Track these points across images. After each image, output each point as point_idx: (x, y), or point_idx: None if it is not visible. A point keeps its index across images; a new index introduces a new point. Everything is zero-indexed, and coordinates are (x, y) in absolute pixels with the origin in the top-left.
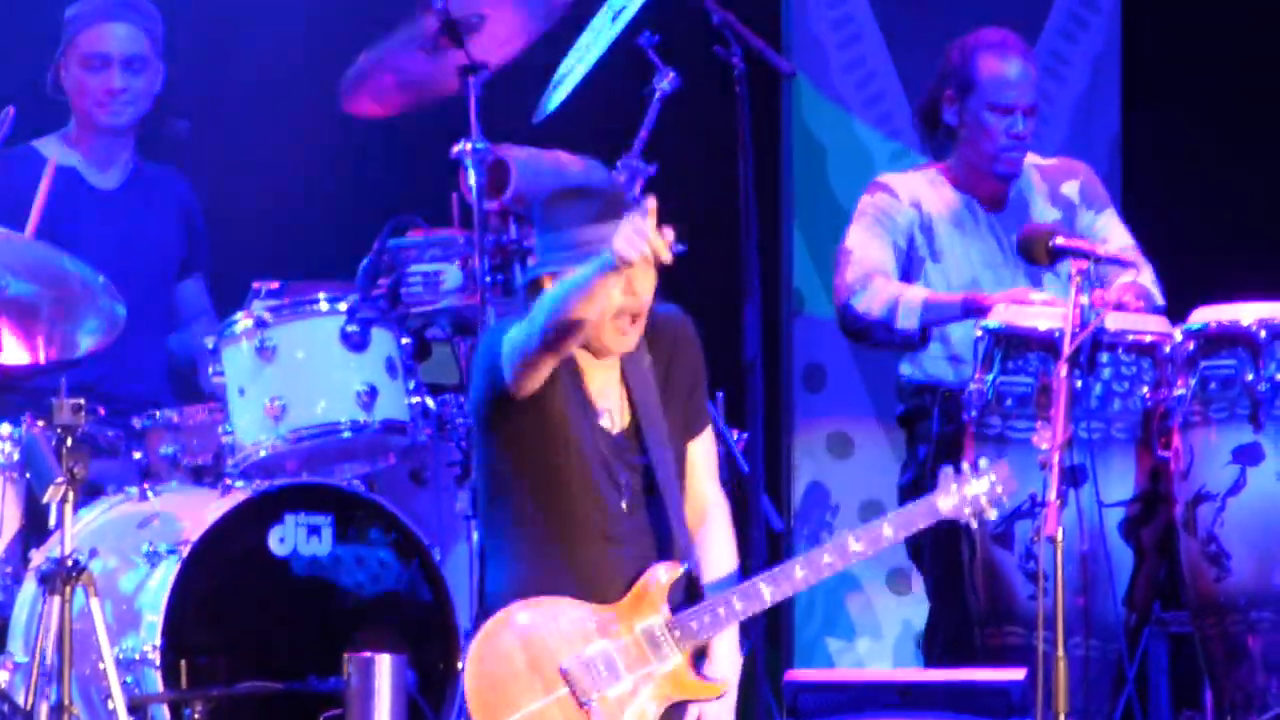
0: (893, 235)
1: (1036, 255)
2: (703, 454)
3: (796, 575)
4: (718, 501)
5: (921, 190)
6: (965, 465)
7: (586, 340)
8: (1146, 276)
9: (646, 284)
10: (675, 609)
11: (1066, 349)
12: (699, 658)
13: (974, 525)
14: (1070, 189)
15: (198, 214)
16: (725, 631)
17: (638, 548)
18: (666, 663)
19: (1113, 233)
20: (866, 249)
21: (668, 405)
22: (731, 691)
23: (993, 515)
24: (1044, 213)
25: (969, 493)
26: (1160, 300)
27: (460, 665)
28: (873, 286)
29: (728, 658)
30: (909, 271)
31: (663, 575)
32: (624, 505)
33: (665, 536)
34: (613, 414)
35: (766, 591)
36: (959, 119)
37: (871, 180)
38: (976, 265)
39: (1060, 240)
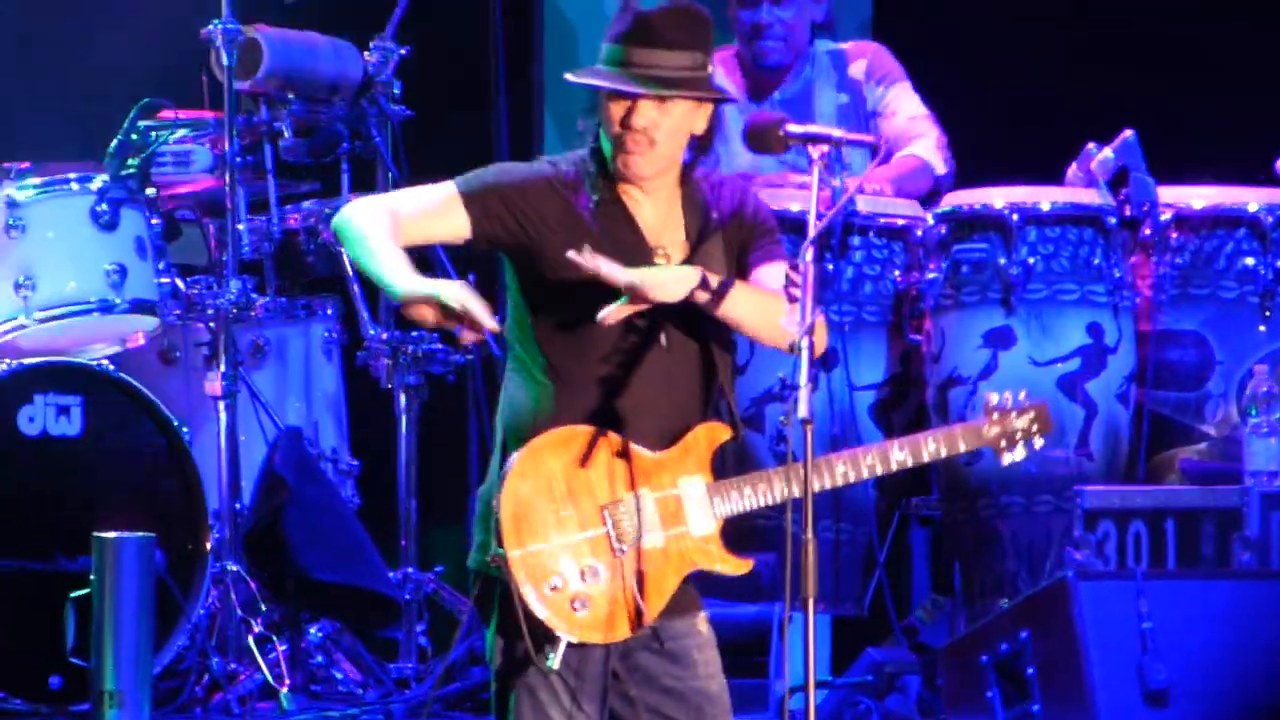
0: None
1: (769, 145)
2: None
3: (837, 469)
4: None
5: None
6: (1008, 395)
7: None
8: (925, 145)
9: (649, 116)
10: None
11: (811, 231)
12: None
13: (1004, 460)
14: (857, 69)
15: None
16: None
17: (673, 392)
18: (701, 527)
19: (901, 104)
20: None
21: (726, 256)
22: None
23: (1020, 456)
24: (830, 100)
25: (1011, 426)
26: (942, 169)
27: (209, 547)
28: None
29: None
30: None
31: (717, 435)
32: (664, 342)
33: (704, 386)
34: (668, 251)
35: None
36: (729, 14)
37: None
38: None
39: (790, 127)
